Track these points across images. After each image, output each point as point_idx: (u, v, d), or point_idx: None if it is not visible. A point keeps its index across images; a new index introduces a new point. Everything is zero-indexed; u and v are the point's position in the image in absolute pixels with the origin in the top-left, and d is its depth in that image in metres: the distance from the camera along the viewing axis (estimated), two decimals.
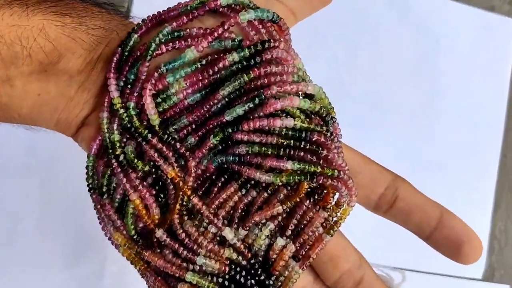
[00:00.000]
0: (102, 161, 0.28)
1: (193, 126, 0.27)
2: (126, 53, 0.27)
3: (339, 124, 0.28)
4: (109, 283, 0.50)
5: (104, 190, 0.28)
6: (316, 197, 0.28)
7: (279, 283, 0.28)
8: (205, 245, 0.26)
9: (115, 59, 0.27)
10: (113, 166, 0.27)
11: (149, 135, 0.27)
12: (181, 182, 0.26)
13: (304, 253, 0.28)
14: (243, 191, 0.27)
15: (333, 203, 0.28)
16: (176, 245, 0.26)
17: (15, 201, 0.48)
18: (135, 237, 0.28)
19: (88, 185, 0.28)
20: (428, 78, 0.56)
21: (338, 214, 0.28)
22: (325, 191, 0.27)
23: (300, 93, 0.27)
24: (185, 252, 0.26)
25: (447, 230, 0.28)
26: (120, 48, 0.27)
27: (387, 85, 0.55)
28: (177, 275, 0.26)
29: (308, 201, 0.27)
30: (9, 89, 0.26)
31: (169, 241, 0.27)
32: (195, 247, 0.26)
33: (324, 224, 0.28)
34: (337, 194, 0.28)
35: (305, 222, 0.28)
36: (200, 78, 0.27)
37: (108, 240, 0.29)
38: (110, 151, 0.27)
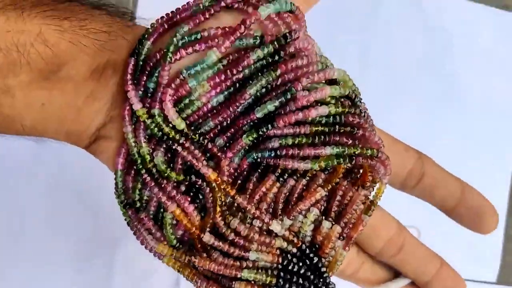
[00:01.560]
0: (129, 176, 0.27)
1: (219, 128, 0.27)
2: (141, 62, 0.26)
3: None
4: (118, 284, 0.49)
5: (138, 205, 0.27)
6: (353, 175, 0.28)
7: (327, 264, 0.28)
8: (256, 239, 0.26)
9: (130, 69, 0.26)
10: (146, 181, 0.26)
11: (182, 139, 0.26)
12: (223, 184, 0.26)
13: (347, 232, 0.28)
14: (281, 181, 0.27)
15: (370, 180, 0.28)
16: (226, 246, 0.26)
17: (23, 200, 0.46)
18: (176, 245, 0.27)
19: (121, 202, 0.27)
20: (443, 80, 0.55)
21: (373, 192, 0.29)
22: (361, 171, 0.28)
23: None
24: (236, 251, 0.26)
25: (469, 203, 0.30)
26: (133, 58, 0.26)
27: (400, 86, 0.55)
28: (232, 274, 0.26)
29: (346, 182, 0.28)
30: (10, 99, 0.25)
31: (217, 243, 0.26)
32: (246, 244, 0.26)
33: (364, 201, 0.29)
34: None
35: (346, 201, 0.28)
36: (223, 78, 0.26)
37: (150, 252, 0.28)
38: (141, 166, 0.26)
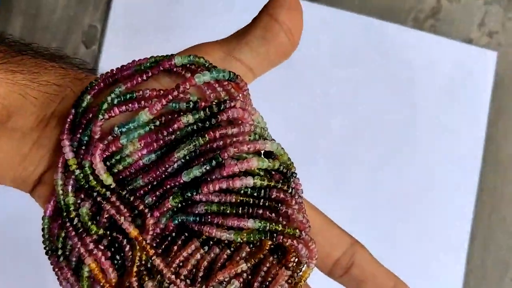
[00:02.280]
0: (56, 223, 0.28)
1: (149, 187, 0.27)
2: (79, 114, 0.27)
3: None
4: None
5: (60, 253, 0.27)
6: (279, 253, 0.27)
7: None
8: None
9: (68, 120, 0.27)
10: (68, 230, 0.27)
11: (108, 193, 0.26)
12: (143, 242, 0.26)
13: None
14: (206, 248, 0.27)
15: (295, 261, 0.27)
16: None
17: None
18: None
19: (45, 248, 0.28)
20: (406, 111, 0.55)
21: (300, 273, 0.28)
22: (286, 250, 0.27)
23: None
24: None
25: None
26: (73, 109, 0.27)
27: (363, 117, 0.55)
28: None
29: (272, 258, 0.27)
30: None
31: None
32: None
33: (289, 280, 0.28)
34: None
35: (270, 278, 0.27)
36: (155, 139, 0.26)
37: None
38: (65, 214, 0.27)
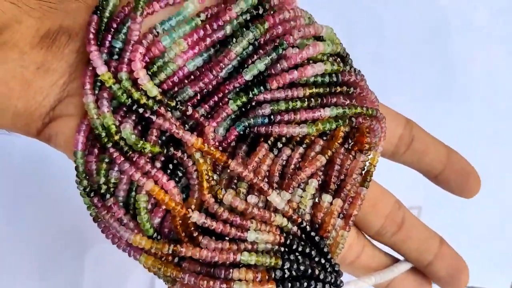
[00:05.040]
0: (92, 156, 0.23)
1: (199, 97, 0.23)
2: (105, 19, 0.23)
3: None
4: None
5: (104, 190, 0.22)
6: (349, 142, 0.25)
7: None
8: (256, 214, 0.23)
9: (92, 28, 0.22)
10: (114, 156, 0.22)
11: (156, 106, 0.22)
12: (211, 149, 0.22)
13: (346, 209, 0.25)
14: (275, 151, 0.24)
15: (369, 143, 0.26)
16: (221, 226, 0.22)
17: None
18: (154, 236, 0.23)
19: (84, 189, 0.23)
20: (440, 57, 0.50)
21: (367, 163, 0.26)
22: (357, 135, 0.26)
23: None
24: (233, 231, 0.22)
25: (455, 166, 0.29)
26: (96, 15, 0.22)
27: (393, 65, 0.50)
28: (230, 259, 0.22)
29: (343, 149, 0.25)
30: None
31: (210, 222, 0.22)
32: (244, 222, 0.22)
33: (360, 172, 0.26)
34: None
35: (344, 172, 0.25)
36: (202, 36, 0.23)
37: (123, 250, 0.23)
38: (106, 140, 0.22)
